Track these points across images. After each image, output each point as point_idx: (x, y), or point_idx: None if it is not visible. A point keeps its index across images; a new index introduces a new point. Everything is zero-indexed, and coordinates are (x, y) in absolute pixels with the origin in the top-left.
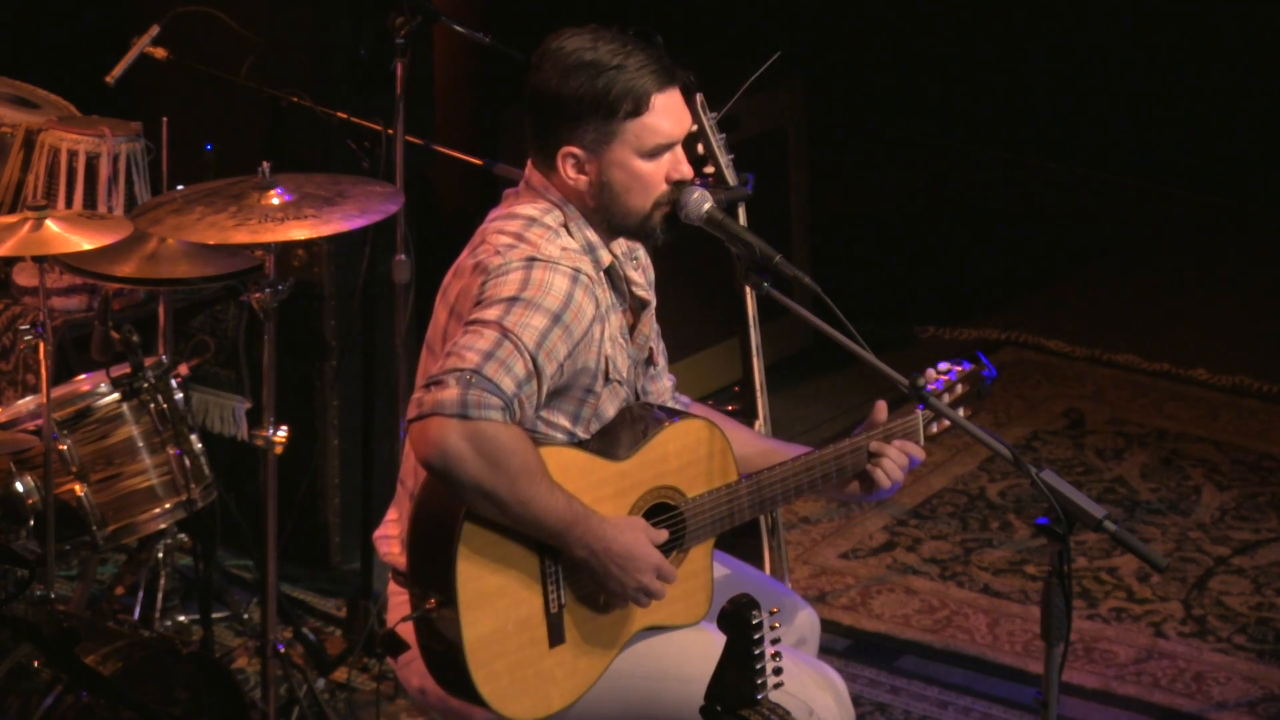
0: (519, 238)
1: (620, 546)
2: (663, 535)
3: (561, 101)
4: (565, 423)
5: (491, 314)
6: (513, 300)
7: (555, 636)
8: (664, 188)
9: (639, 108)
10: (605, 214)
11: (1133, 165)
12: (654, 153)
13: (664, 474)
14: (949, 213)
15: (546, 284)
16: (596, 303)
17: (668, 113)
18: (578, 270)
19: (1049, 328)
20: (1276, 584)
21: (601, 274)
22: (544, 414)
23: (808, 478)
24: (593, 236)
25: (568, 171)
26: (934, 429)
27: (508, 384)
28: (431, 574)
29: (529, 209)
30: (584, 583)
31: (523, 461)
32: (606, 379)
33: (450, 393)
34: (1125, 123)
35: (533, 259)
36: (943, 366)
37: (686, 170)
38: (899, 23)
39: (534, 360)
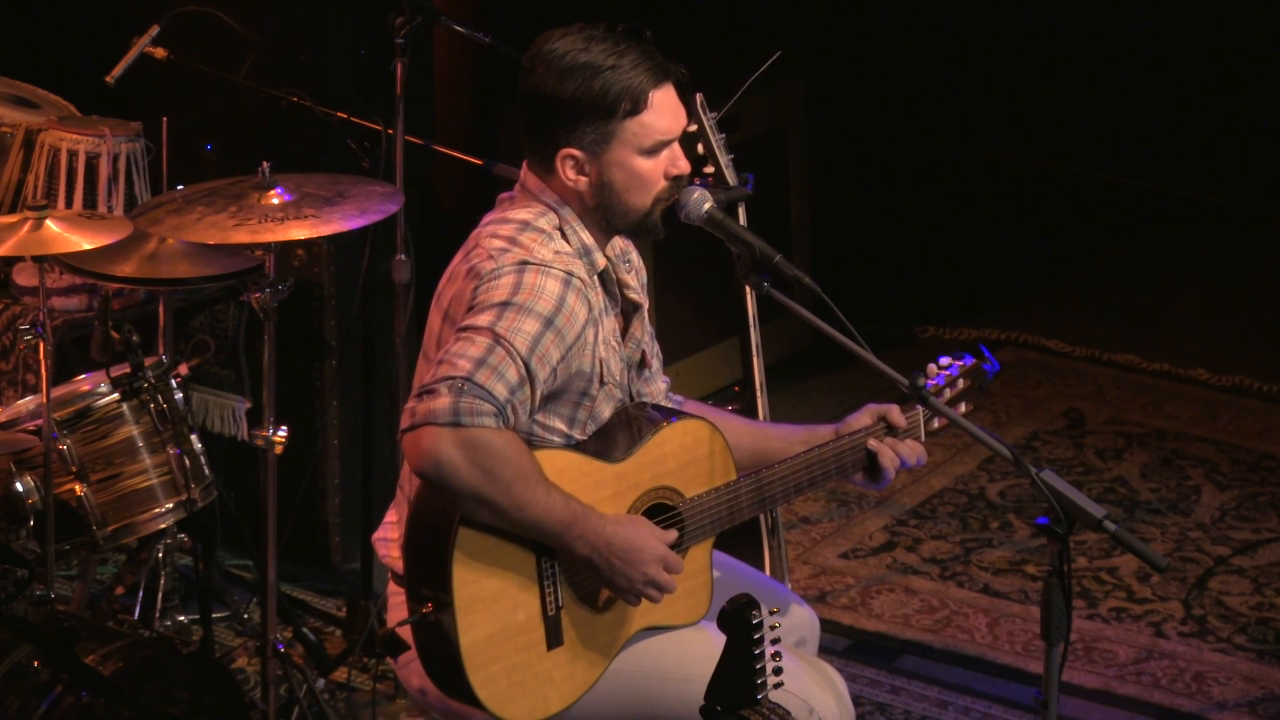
0: (512, 241)
1: (622, 540)
2: (671, 535)
3: (558, 104)
4: (561, 425)
5: (483, 320)
6: (505, 305)
7: (553, 639)
8: (663, 184)
9: (637, 106)
10: (605, 213)
11: (1133, 165)
12: (653, 150)
13: (662, 475)
14: (949, 213)
15: (539, 288)
16: (589, 306)
17: (665, 109)
18: (570, 274)
19: (1049, 328)
20: (1276, 584)
21: (595, 278)
22: (539, 417)
23: (807, 475)
24: (588, 239)
25: (567, 173)
26: (935, 424)
27: (500, 390)
28: (428, 578)
29: (523, 213)
30: (582, 583)
31: (517, 466)
32: (601, 382)
33: (442, 401)
34: (1125, 123)
35: (525, 263)
36: (944, 361)
37: (684, 165)
38: (899, 23)
39: (527, 366)
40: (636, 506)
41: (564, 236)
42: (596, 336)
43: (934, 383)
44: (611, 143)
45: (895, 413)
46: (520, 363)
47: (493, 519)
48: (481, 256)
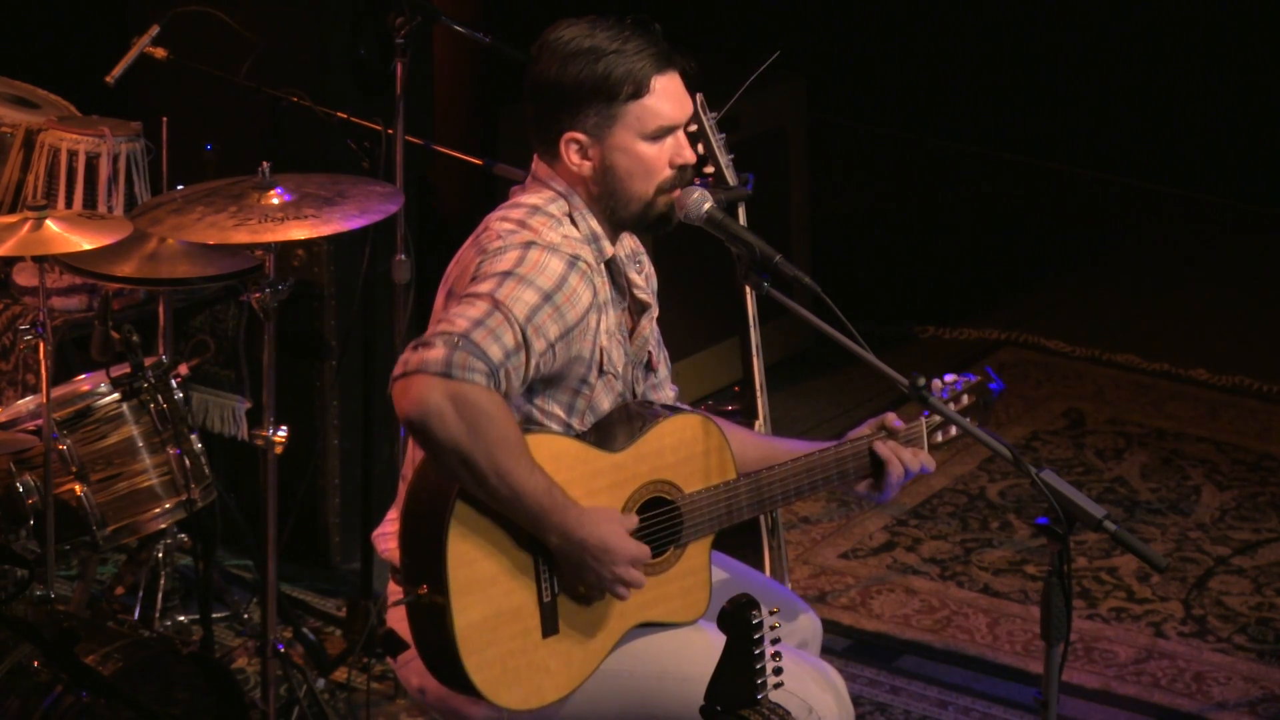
0: (521, 224)
1: (596, 538)
2: (646, 552)
3: (562, 88)
4: (560, 412)
5: (484, 287)
6: (506, 275)
7: (549, 627)
8: (668, 172)
9: (640, 90)
10: (609, 200)
11: (1133, 165)
12: (656, 135)
13: (660, 468)
14: (949, 213)
15: (542, 264)
16: (594, 291)
17: (668, 95)
18: (576, 257)
19: (1049, 328)
20: (1276, 584)
21: (602, 265)
22: (538, 402)
23: (808, 479)
24: (596, 227)
25: (571, 157)
26: (938, 437)
27: (495, 351)
28: (423, 559)
29: (533, 198)
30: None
31: (502, 431)
32: (601, 371)
33: (436, 352)
34: (1125, 123)
35: (531, 243)
36: (949, 378)
37: (689, 155)
38: (899, 23)
39: (523, 333)
40: (635, 498)
41: (573, 223)
42: (599, 324)
43: (938, 397)
44: (614, 126)
45: (890, 416)
46: (517, 329)
47: (472, 483)
48: (490, 237)
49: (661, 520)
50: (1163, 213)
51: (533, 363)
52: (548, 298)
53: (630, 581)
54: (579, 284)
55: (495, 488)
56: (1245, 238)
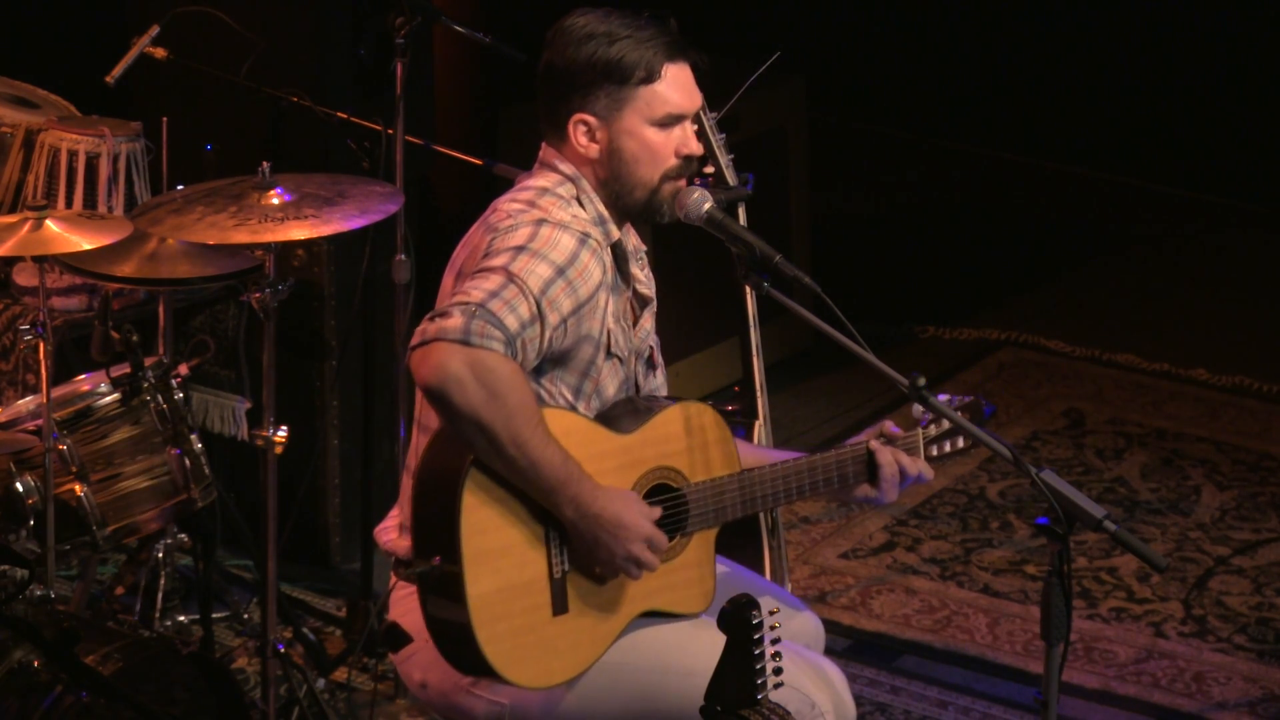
0: (531, 204)
1: (611, 514)
2: (656, 512)
3: (575, 69)
4: (567, 394)
5: (498, 261)
6: (519, 249)
7: (558, 604)
8: (673, 161)
9: (651, 75)
10: (615, 185)
11: (1133, 165)
12: (664, 122)
13: (667, 454)
14: (949, 213)
15: (554, 240)
16: (604, 269)
17: (679, 84)
18: (586, 234)
19: (1049, 328)
20: (1276, 584)
21: (608, 247)
22: (545, 383)
23: (809, 479)
24: (603, 210)
25: (579, 139)
26: (934, 451)
27: (511, 322)
28: (436, 529)
29: (541, 181)
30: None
31: (520, 399)
32: (609, 353)
33: (454, 320)
34: (1125, 123)
35: (542, 220)
36: (943, 398)
37: (695, 146)
38: (899, 23)
39: (538, 305)
40: (641, 483)
41: (580, 205)
42: (607, 304)
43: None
44: (624, 109)
45: (888, 424)
46: (532, 300)
47: (489, 451)
48: (500, 217)
49: (667, 507)
50: (1163, 213)
51: (546, 336)
52: (561, 272)
53: (643, 561)
54: (590, 260)
55: (512, 456)
56: (1245, 238)
